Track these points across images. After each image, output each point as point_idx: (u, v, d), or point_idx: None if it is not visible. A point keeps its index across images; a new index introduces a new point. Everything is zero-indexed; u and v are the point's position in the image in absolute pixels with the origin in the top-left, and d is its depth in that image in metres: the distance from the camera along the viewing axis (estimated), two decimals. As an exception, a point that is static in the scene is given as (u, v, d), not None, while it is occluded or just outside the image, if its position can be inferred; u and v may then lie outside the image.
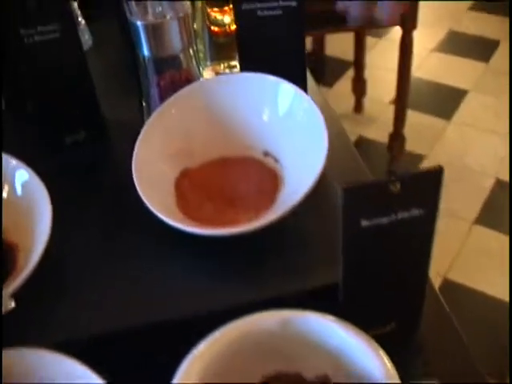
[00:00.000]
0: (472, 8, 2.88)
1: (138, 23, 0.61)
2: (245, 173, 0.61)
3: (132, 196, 0.57)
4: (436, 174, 0.43)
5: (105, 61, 0.89)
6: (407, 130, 2.00)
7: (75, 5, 0.92)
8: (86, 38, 0.93)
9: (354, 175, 0.66)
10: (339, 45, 2.55)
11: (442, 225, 1.71)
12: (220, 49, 0.83)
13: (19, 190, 0.58)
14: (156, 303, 0.54)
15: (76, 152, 0.70)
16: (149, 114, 0.65)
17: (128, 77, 0.77)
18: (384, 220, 0.44)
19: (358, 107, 2.36)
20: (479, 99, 2.34)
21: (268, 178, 0.60)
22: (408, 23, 1.75)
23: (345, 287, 0.48)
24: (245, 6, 0.64)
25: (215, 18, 0.82)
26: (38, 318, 0.52)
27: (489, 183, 1.97)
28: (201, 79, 0.67)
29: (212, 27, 0.83)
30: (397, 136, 2.01)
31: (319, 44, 2.45)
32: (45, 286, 0.54)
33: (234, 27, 0.80)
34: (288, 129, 0.61)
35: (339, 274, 0.47)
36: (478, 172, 2.02)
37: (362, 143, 2.21)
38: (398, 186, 0.42)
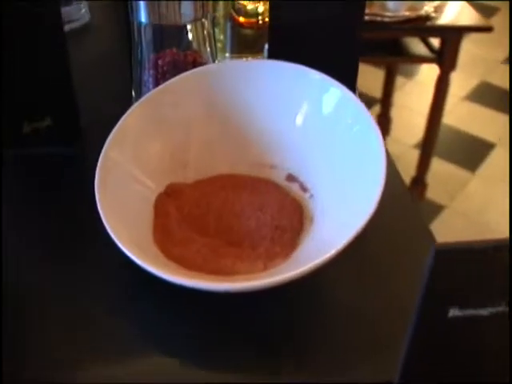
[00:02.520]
0: (506, 61, 2.79)
1: (138, -26, 0.44)
2: (257, 200, 0.42)
3: (97, 213, 0.39)
4: None
5: (99, 41, 0.72)
6: (429, 177, 1.85)
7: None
8: (82, 13, 0.77)
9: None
10: (367, 80, 2.43)
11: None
12: (244, 41, 0.66)
13: None
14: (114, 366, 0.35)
15: (37, 144, 0.52)
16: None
17: (122, 62, 0.61)
18: (484, 312, 0.26)
19: (380, 146, 2.21)
20: (506, 154, 2.22)
21: (290, 213, 0.42)
22: (447, 62, 1.61)
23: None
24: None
25: (244, 6, 0.66)
26: None
27: (509, 245, 1.81)
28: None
29: (237, 16, 0.67)
30: (418, 182, 1.88)
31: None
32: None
33: (266, 19, 0.65)
34: (326, 146, 0.43)
35: (395, 375, 0.29)
36: (496, 231, 1.89)
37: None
38: (526, 257, 0.24)
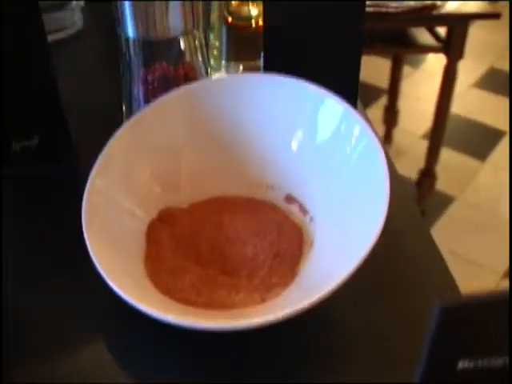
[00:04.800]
0: (515, 45, 2.74)
1: (122, -13, 0.41)
2: (254, 225, 0.40)
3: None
4: None
5: (91, 49, 0.70)
6: (438, 168, 1.82)
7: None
8: (75, 19, 0.74)
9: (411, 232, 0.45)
10: (373, 70, 2.40)
11: (466, 277, 1.46)
12: (240, 46, 0.63)
13: None
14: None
15: (27, 163, 0.50)
16: (128, 122, 0.45)
17: (114, 72, 0.58)
18: (498, 362, 0.23)
19: (388, 138, 2.20)
20: (516, 142, 2.19)
21: (289, 238, 0.39)
22: (454, 51, 1.57)
23: None
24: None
25: (237, 8, 0.63)
26: None
27: (521, 234, 1.78)
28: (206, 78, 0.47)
29: (231, 19, 0.64)
30: (428, 173, 1.84)
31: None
32: None
33: (260, 22, 0.62)
34: (326, 165, 0.40)
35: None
36: (509, 221, 1.84)
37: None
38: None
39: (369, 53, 1.90)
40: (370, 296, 0.39)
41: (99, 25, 0.75)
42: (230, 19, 0.64)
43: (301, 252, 0.39)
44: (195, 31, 0.44)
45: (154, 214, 0.40)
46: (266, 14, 0.47)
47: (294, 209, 0.42)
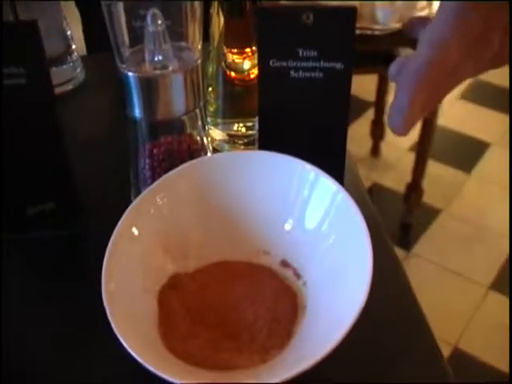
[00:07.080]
0: (499, 57, 2.78)
1: (130, 75, 0.46)
2: (253, 292, 0.45)
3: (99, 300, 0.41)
4: None
5: (95, 103, 0.73)
6: (425, 181, 1.88)
7: (68, 32, 0.77)
8: (78, 72, 0.78)
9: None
10: (360, 83, 2.43)
11: (454, 288, 1.51)
12: (237, 101, 0.67)
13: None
14: None
15: (41, 227, 0.54)
16: (137, 191, 0.50)
17: (120, 128, 0.62)
18: None
19: (375, 151, 2.24)
20: (502, 153, 2.22)
21: (285, 303, 0.44)
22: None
23: None
24: (274, 63, 0.48)
25: (233, 61, 0.67)
26: None
27: (507, 245, 1.82)
28: (208, 153, 0.52)
29: (228, 72, 0.67)
30: (415, 187, 1.88)
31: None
32: None
33: (253, 75, 0.65)
34: (318, 236, 0.46)
35: None
36: (496, 233, 1.90)
37: (377, 190, 2.09)
38: None
39: (355, 73, 1.94)
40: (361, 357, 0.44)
41: (101, 75, 0.78)
42: (228, 72, 0.67)
43: (296, 315, 0.44)
44: (197, 109, 0.49)
45: (163, 281, 0.45)
46: (261, 85, 0.52)
47: (288, 273, 0.47)
